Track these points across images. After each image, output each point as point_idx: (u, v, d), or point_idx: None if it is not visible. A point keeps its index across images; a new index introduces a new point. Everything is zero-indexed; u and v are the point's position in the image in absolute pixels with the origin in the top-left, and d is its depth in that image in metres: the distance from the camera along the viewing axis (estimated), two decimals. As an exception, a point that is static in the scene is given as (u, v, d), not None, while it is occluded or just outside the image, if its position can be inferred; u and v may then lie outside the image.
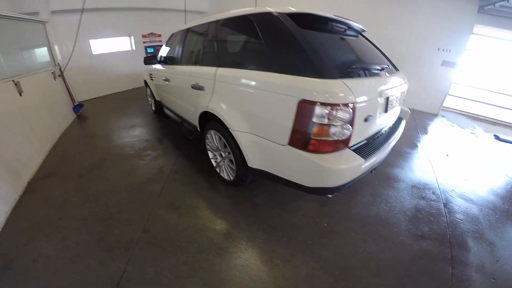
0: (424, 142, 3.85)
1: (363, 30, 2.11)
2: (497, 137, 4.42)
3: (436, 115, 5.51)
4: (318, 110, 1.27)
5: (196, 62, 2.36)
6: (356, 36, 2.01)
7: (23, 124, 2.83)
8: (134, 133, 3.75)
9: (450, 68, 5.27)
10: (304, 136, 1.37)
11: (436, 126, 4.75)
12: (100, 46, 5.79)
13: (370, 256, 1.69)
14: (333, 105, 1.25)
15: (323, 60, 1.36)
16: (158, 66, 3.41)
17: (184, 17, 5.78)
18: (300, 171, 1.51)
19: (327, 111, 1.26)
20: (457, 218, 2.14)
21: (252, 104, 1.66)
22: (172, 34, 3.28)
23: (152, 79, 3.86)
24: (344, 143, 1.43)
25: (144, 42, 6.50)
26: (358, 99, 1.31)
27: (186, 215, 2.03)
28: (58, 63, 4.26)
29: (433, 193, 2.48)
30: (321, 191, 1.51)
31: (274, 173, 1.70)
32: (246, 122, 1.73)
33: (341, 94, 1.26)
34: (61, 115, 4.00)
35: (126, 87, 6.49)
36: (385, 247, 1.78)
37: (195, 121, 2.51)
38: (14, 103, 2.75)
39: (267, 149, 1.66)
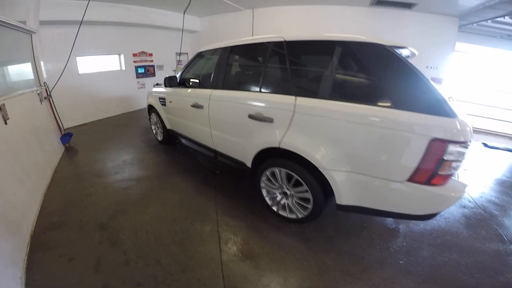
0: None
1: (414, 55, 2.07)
2: (485, 145, 4.78)
3: (429, 127, 5.83)
4: (450, 148, 1.29)
5: (256, 88, 2.04)
6: None
7: (12, 161, 2.21)
8: (147, 169, 3.22)
9: (438, 84, 5.66)
10: (431, 173, 1.35)
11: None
12: (87, 64, 5.13)
13: (457, 263, 1.79)
14: (462, 143, 1.30)
15: (443, 97, 1.34)
16: (178, 90, 3.02)
17: (181, 36, 5.47)
18: (415, 202, 1.49)
19: (457, 149, 1.30)
20: (500, 220, 2.32)
21: (360, 141, 1.49)
22: (200, 53, 2.92)
23: (164, 105, 3.42)
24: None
25: (135, 62, 5.96)
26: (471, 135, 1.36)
27: (264, 264, 1.70)
28: (45, 83, 3.60)
29: (469, 201, 2.64)
30: (427, 217, 1.54)
31: (375, 208, 1.62)
32: (345, 160, 1.57)
33: (468, 132, 1.31)
34: (51, 148, 3.32)
35: (114, 112, 5.80)
36: (463, 253, 1.90)
37: (245, 156, 2.21)
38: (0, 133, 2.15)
39: (372, 186, 1.54)
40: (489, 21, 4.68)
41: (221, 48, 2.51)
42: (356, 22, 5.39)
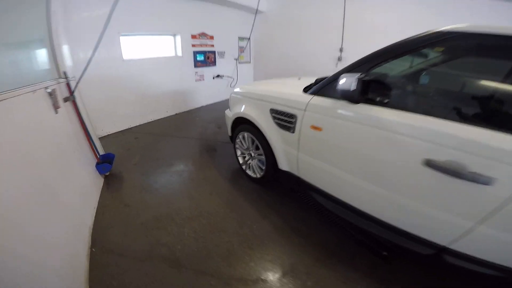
0: None
1: None
2: None
3: None
4: None
5: None
6: None
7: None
8: (262, 251, 1.53)
9: None
10: None
11: None
12: (133, 47, 3.50)
13: None
14: None
15: None
16: (360, 108, 1.18)
17: (246, 17, 3.70)
18: None
19: None
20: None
21: None
22: (463, 35, 0.97)
23: (286, 128, 1.58)
24: None
25: (193, 46, 4.24)
26: None
27: None
28: (65, 73, 1.89)
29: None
30: None
31: None
32: None
33: None
34: (77, 196, 1.67)
35: (167, 112, 4.17)
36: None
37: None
38: None
39: None
40: None
41: None
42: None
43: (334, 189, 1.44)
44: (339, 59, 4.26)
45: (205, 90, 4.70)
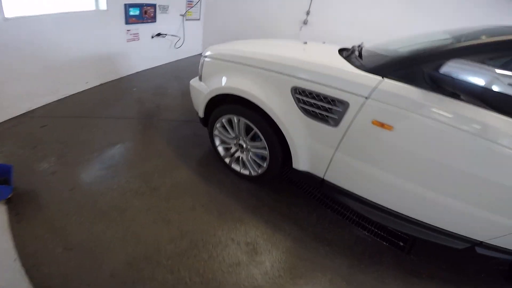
0: None
1: None
2: None
3: None
4: None
5: None
6: None
7: None
8: None
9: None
10: None
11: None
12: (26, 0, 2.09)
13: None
14: None
15: None
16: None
17: None
18: None
19: None
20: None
21: None
22: None
23: (319, 116, 1.09)
24: None
25: (124, -6, 2.95)
26: None
27: None
28: None
29: None
30: None
31: None
32: None
33: None
34: None
35: (87, 83, 2.88)
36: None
37: None
38: None
39: None
40: None
41: None
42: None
43: (384, 198, 1.16)
44: (305, 22, 3.83)
45: (141, 52, 3.55)
